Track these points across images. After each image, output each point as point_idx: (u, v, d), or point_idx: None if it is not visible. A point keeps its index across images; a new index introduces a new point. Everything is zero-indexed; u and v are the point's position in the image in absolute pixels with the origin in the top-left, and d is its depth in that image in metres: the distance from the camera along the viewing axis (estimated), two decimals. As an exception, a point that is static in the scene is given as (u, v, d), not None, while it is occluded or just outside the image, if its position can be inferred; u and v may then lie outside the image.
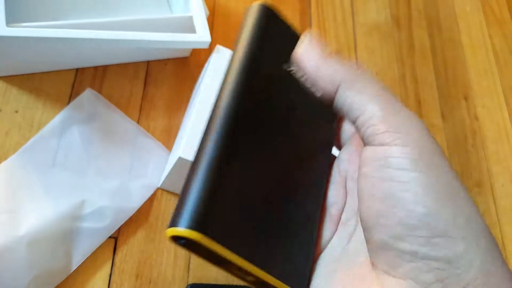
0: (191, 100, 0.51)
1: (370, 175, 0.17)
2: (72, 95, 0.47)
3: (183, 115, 0.51)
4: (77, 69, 0.49)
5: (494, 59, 0.72)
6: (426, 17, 0.72)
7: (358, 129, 0.18)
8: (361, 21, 0.68)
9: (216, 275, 0.44)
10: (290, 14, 0.64)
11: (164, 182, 0.45)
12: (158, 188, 0.46)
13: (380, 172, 0.17)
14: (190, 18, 0.47)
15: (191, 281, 0.44)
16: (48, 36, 0.40)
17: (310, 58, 0.19)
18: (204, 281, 0.44)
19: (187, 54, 0.53)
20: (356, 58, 0.65)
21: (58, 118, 0.45)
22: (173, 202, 0.47)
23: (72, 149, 0.44)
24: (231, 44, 0.57)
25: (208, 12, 0.49)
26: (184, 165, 0.41)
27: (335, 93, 0.18)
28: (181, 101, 0.51)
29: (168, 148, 0.48)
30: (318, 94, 0.19)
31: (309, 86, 0.19)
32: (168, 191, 0.47)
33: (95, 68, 0.49)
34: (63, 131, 0.45)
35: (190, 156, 0.40)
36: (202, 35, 0.45)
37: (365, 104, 0.17)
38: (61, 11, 0.50)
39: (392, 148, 0.17)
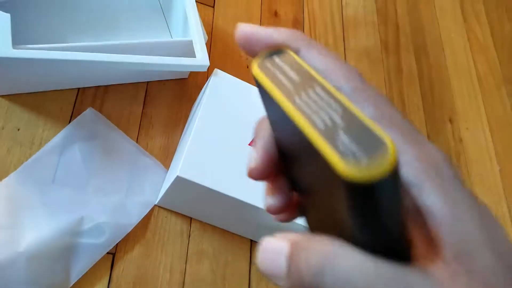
0: (189, 120, 0.53)
1: None
2: (74, 113, 0.49)
3: (180, 134, 0.52)
4: (78, 89, 0.50)
5: (478, 83, 0.76)
6: (413, 42, 0.76)
7: None
8: (352, 46, 0.71)
9: (210, 291, 0.46)
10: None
11: (161, 199, 0.47)
12: (155, 205, 0.48)
13: None
14: (190, 42, 0.49)
15: (186, 297, 0.45)
16: (53, 58, 0.41)
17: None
18: (199, 297, 0.45)
19: (185, 75, 0.55)
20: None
21: (60, 136, 0.47)
22: (169, 219, 0.48)
23: (72, 166, 0.46)
24: (228, 67, 0.60)
25: (207, 37, 0.51)
26: (182, 184, 0.42)
27: None
28: (179, 121, 0.53)
29: (165, 166, 0.50)
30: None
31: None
32: (165, 208, 0.48)
33: (96, 87, 0.51)
34: (64, 148, 0.46)
35: (188, 175, 0.41)
36: (201, 59, 0.47)
37: None
38: (65, 33, 0.52)
39: None
